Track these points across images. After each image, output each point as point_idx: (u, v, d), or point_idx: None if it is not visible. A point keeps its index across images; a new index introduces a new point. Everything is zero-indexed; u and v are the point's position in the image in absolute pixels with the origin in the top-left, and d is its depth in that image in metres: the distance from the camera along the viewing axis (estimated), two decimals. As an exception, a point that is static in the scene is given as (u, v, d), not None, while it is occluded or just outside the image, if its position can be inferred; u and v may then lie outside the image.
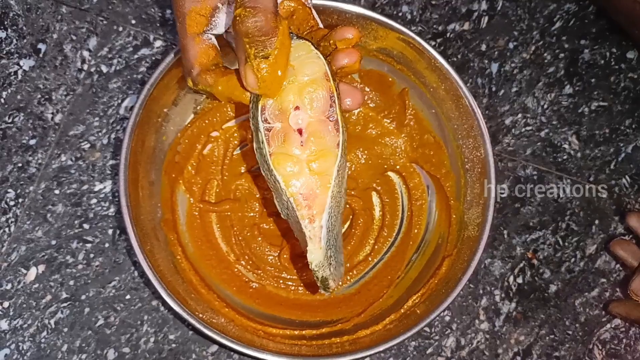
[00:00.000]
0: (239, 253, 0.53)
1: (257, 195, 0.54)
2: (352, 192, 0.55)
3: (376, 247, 0.54)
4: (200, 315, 0.45)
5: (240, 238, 0.53)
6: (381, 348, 0.44)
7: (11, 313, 0.52)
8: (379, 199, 0.55)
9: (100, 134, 0.55)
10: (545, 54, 0.59)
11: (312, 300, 0.53)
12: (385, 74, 0.53)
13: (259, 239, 0.54)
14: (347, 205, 0.54)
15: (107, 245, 0.53)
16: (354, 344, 0.46)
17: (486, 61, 0.59)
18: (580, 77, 0.59)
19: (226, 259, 0.53)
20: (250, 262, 0.53)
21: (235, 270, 0.53)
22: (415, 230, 0.54)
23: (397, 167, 0.55)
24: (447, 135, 0.52)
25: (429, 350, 0.54)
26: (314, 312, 0.52)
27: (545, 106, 0.59)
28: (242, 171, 0.54)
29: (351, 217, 0.54)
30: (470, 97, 0.49)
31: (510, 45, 0.59)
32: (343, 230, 0.54)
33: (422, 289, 0.49)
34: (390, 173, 0.56)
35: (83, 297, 0.52)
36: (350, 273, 0.54)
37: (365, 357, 0.47)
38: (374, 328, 0.48)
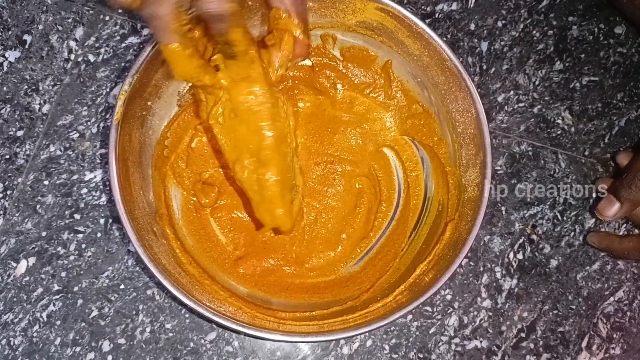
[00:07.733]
0: (237, 243, 0.52)
1: None
2: (357, 172, 0.54)
3: (376, 222, 0.53)
4: (208, 304, 0.43)
5: (237, 227, 0.52)
6: (395, 316, 0.43)
7: (1, 307, 0.50)
8: (375, 175, 0.55)
9: (89, 123, 0.54)
10: (534, 32, 0.59)
11: (319, 282, 0.52)
12: (367, 48, 0.52)
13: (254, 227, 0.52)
14: (358, 186, 0.54)
15: (99, 235, 0.52)
16: (368, 316, 0.45)
17: (476, 40, 0.59)
18: (569, 53, 0.59)
19: (226, 250, 0.52)
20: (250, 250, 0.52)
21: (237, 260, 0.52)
22: (414, 202, 0.53)
23: (389, 141, 0.55)
24: (436, 102, 0.51)
25: (432, 330, 0.53)
26: (321, 293, 0.51)
27: (537, 82, 0.59)
28: None
29: (357, 197, 0.54)
30: (454, 57, 0.48)
31: (499, 24, 0.59)
32: (349, 210, 0.54)
33: (429, 256, 0.48)
34: (383, 149, 0.55)
35: (76, 288, 0.51)
36: (354, 251, 0.53)
37: (379, 327, 0.46)
38: (384, 301, 0.46)
